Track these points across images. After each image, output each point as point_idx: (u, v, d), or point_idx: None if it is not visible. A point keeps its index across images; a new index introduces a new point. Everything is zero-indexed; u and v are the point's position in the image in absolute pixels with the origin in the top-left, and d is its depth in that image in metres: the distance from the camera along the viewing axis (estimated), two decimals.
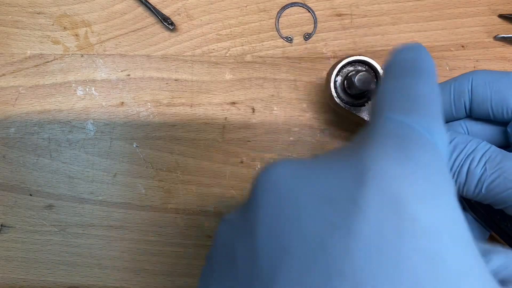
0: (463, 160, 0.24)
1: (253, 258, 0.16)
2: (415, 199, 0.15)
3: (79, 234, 0.34)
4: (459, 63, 0.35)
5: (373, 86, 0.28)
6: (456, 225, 0.16)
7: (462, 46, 0.35)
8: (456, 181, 0.25)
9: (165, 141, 0.35)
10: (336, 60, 0.28)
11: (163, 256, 0.34)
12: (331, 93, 0.29)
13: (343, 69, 0.29)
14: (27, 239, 0.34)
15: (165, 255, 0.34)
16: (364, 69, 0.28)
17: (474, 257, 0.16)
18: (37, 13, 0.36)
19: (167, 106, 0.35)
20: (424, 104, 0.17)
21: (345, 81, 0.29)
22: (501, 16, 0.35)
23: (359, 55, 0.29)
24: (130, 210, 0.34)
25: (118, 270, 0.34)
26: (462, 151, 0.24)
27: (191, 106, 0.35)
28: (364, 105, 0.29)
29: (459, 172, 0.24)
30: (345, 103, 0.29)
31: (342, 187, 0.15)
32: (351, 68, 0.29)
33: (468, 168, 0.24)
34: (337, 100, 0.29)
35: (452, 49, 0.35)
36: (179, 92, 0.35)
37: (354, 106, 0.29)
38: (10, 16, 0.36)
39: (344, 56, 0.29)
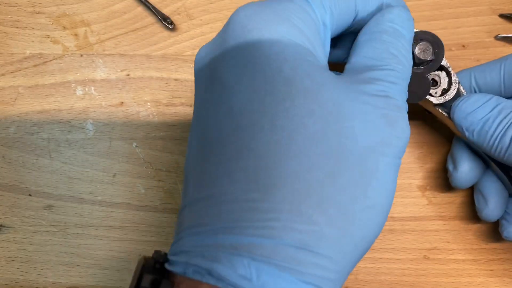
0: (508, 125, 0.25)
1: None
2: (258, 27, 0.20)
3: (78, 234, 0.34)
4: (459, 62, 0.35)
5: (431, 57, 0.27)
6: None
7: (463, 46, 0.35)
8: (498, 145, 0.26)
9: (165, 141, 0.35)
10: None
11: None
12: None
13: None
14: (27, 240, 0.34)
15: None
16: (424, 41, 0.27)
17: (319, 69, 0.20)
18: (36, 13, 0.36)
19: (167, 106, 0.35)
20: None
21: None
22: (501, 15, 0.35)
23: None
24: (129, 210, 0.34)
25: (118, 270, 0.34)
26: (507, 115, 0.25)
27: (191, 106, 0.35)
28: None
29: (502, 137, 0.25)
30: None
31: None
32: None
33: None
34: None
35: (453, 48, 0.35)
36: (179, 92, 0.35)
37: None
38: (9, 16, 0.36)
39: None
